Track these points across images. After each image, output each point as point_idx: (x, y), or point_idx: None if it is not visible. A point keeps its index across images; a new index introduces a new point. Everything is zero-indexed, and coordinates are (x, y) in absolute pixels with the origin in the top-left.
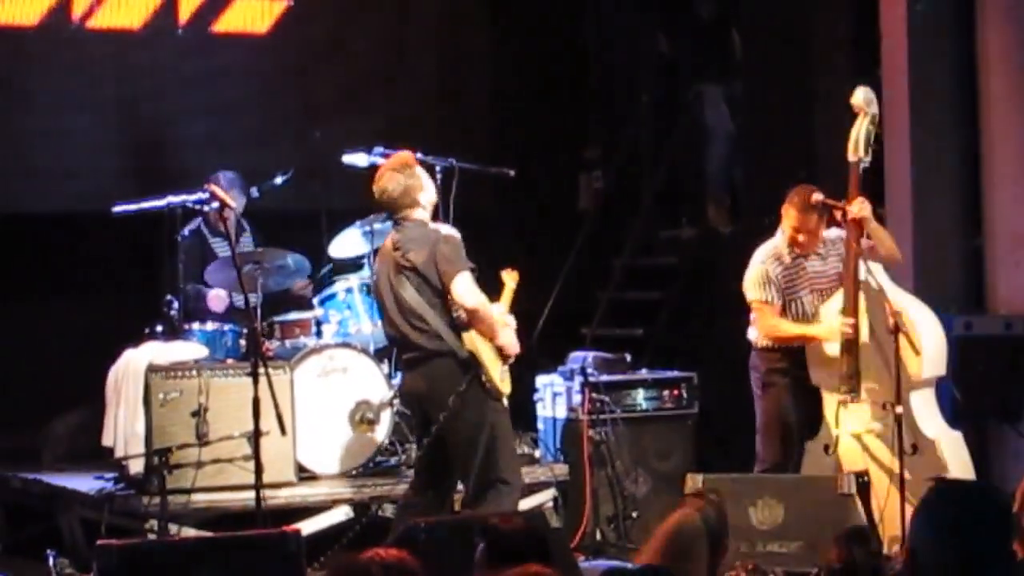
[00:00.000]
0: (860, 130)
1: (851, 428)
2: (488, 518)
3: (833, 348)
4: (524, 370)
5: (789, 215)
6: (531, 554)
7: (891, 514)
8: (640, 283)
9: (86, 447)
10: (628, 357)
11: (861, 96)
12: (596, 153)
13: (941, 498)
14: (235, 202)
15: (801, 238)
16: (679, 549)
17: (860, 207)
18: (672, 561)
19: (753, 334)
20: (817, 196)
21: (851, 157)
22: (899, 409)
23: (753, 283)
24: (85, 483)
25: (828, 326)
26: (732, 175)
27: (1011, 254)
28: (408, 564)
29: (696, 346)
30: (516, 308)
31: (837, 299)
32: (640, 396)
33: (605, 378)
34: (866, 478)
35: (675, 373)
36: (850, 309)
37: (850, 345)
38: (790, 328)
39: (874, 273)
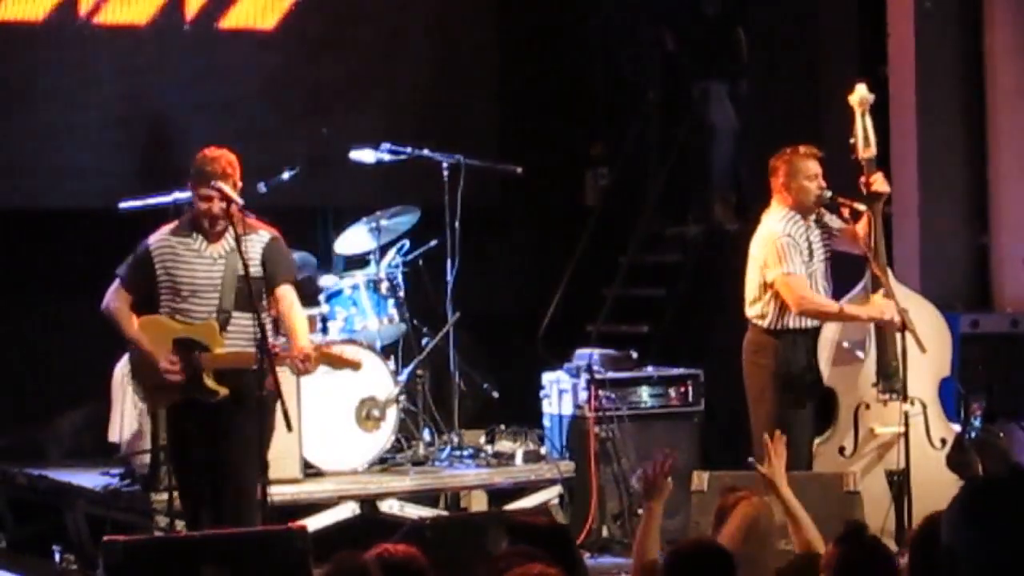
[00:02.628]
0: (867, 126)
1: (880, 427)
2: (513, 515)
3: (854, 346)
4: (530, 367)
5: (799, 168)
6: (553, 551)
7: (923, 510)
8: (646, 280)
9: (92, 443)
10: (634, 354)
11: (866, 90)
12: (602, 150)
13: (979, 496)
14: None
15: (817, 187)
16: (756, 536)
17: (884, 181)
18: (747, 547)
19: (763, 312)
20: (827, 193)
21: (863, 155)
22: (906, 407)
23: (776, 256)
24: (91, 479)
25: (877, 306)
26: (738, 172)
27: (1017, 251)
28: (416, 561)
29: (702, 343)
30: (517, 306)
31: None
32: (646, 393)
33: (611, 375)
34: (901, 477)
35: (681, 370)
36: (888, 293)
37: (886, 343)
38: (833, 307)
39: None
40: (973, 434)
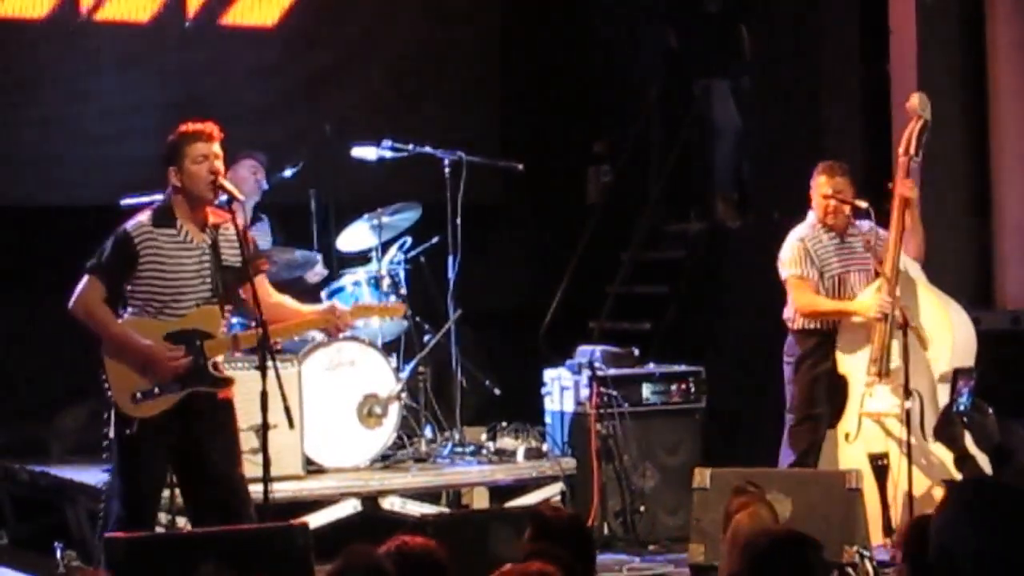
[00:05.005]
0: (913, 133)
1: (873, 409)
2: (537, 507)
3: (864, 336)
4: (532, 364)
5: (819, 183)
6: (573, 544)
7: (904, 499)
8: (648, 277)
9: (94, 440)
10: (636, 351)
11: (916, 100)
12: (604, 147)
13: (982, 497)
14: (253, 194)
15: (833, 204)
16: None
17: (909, 187)
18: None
19: (788, 313)
20: (826, 190)
21: (902, 155)
22: (908, 404)
23: (789, 259)
24: (93, 476)
25: (865, 300)
26: (740, 169)
27: (1019, 249)
28: (434, 554)
29: (704, 340)
30: (519, 303)
31: (875, 284)
32: (648, 390)
33: (613, 372)
34: (885, 461)
35: (682, 367)
36: (891, 289)
37: (881, 327)
38: (827, 303)
39: (909, 266)
40: (962, 408)
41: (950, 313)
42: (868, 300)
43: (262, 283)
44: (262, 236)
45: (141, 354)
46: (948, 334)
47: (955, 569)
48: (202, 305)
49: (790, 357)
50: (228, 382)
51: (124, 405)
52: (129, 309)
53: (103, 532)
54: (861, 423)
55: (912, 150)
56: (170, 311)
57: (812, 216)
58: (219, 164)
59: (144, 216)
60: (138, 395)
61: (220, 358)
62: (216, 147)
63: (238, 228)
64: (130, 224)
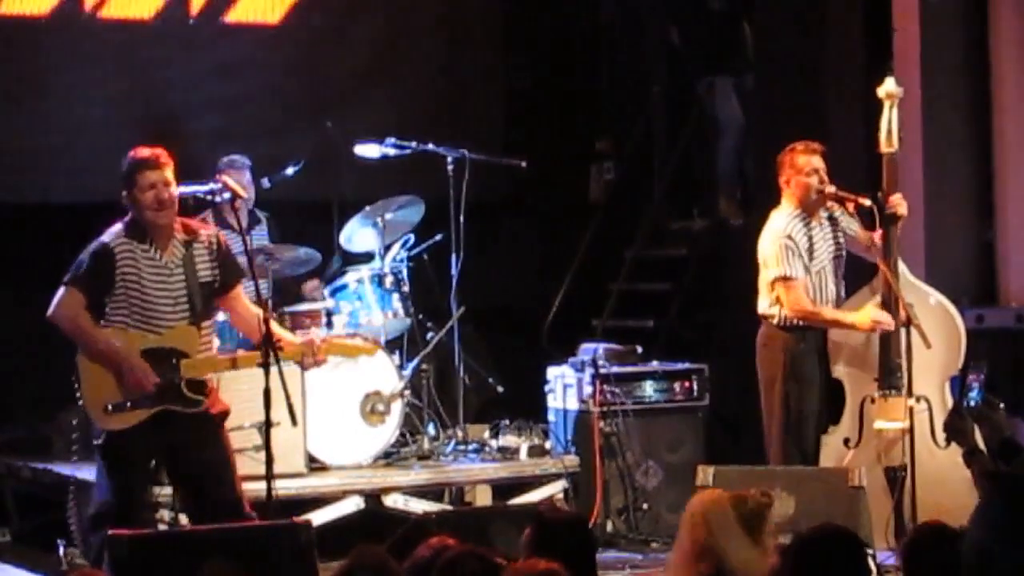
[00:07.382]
0: (891, 120)
1: (882, 422)
2: (537, 507)
3: (862, 340)
4: (534, 362)
5: (800, 162)
6: (575, 543)
7: (923, 508)
8: (651, 275)
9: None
10: (639, 349)
11: (893, 84)
12: (607, 144)
13: (1014, 495)
14: (247, 191)
15: (817, 181)
16: (707, 528)
17: (902, 204)
18: (704, 542)
19: (771, 309)
20: (831, 188)
21: (884, 149)
22: (911, 402)
23: (772, 258)
24: (96, 473)
25: (867, 315)
26: (743, 167)
27: (1023, 247)
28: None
29: (707, 338)
30: (522, 300)
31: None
32: (651, 388)
33: (616, 370)
34: (903, 473)
35: (686, 365)
36: (892, 303)
37: (889, 339)
38: (827, 314)
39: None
40: (972, 403)
41: (952, 315)
42: (870, 316)
43: (242, 293)
44: (260, 239)
45: (118, 362)
46: (957, 334)
47: (991, 568)
48: (180, 324)
49: (772, 352)
50: (200, 403)
51: (96, 415)
52: (109, 320)
53: (88, 530)
54: (864, 431)
55: (895, 142)
56: (147, 326)
57: (787, 206)
58: (169, 191)
59: (119, 227)
60: (109, 407)
61: (213, 376)
62: (167, 173)
63: (238, 228)
64: (107, 236)
